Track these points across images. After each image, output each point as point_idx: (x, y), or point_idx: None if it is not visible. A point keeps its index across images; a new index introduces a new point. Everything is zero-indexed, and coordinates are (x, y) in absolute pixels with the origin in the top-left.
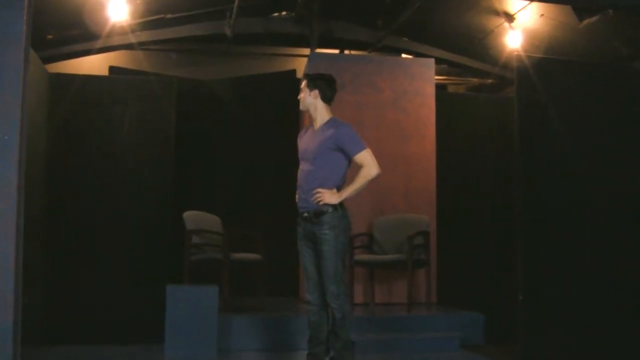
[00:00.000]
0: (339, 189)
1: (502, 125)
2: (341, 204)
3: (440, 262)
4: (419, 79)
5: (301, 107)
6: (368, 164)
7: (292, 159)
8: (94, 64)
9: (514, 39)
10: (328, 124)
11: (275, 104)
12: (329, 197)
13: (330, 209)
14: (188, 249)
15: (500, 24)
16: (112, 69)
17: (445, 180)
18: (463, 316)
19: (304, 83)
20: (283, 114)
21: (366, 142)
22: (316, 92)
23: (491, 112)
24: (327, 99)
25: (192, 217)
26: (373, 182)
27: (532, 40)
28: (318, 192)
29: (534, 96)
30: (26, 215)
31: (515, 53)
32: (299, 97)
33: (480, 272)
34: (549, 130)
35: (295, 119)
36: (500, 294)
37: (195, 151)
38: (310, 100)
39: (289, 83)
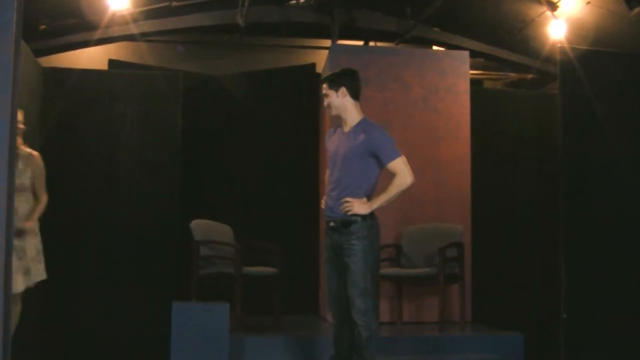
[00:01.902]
0: (369, 197)
1: (544, 124)
2: (372, 213)
3: (475, 277)
4: (452, 74)
5: (332, 112)
6: (402, 172)
7: (311, 163)
8: (91, 57)
9: (557, 29)
10: (359, 126)
11: (292, 101)
12: (358, 206)
13: (359, 219)
14: (196, 262)
15: (542, 12)
16: (111, 62)
17: (481, 186)
18: (500, 337)
19: (325, 87)
20: (301, 112)
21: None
22: (343, 89)
23: (532, 110)
24: (355, 94)
25: (200, 227)
26: None
27: (578, 30)
28: (347, 201)
29: (580, 92)
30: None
31: (559, 45)
32: (325, 104)
33: (519, 288)
34: (595, 130)
35: (314, 118)
36: (542, 312)
37: (203, 153)
38: (339, 101)
39: (308, 78)
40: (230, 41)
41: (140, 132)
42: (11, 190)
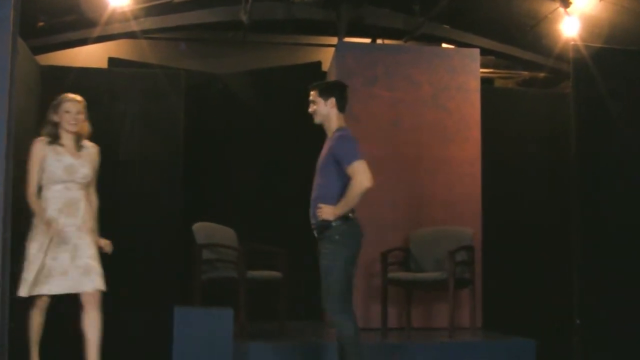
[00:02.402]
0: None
1: (556, 124)
2: (347, 218)
3: (486, 281)
4: (462, 72)
5: (317, 120)
6: (358, 175)
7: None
8: (91, 55)
9: (570, 27)
10: (333, 135)
11: (297, 101)
12: (327, 213)
13: (332, 224)
14: (198, 266)
15: (554, 9)
16: (111, 60)
17: (492, 188)
18: (512, 342)
19: (314, 93)
20: (307, 112)
21: (402, 144)
22: (333, 100)
23: (544, 109)
24: (342, 107)
25: (203, 230)
26: (409, 190)
27: (591, 27)
28: (319, 208)
29: (593, 91)
30: (13, 229)
31: (572, 42)
32: (310, 110)
33: (531, 292)
34: (609, 130)
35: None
36: (555, 317)
37: (206, 154)
38: (326, 110)
39: (314, 76)
40: (234, 38)
41: (141, 132)
42: (8, 195)
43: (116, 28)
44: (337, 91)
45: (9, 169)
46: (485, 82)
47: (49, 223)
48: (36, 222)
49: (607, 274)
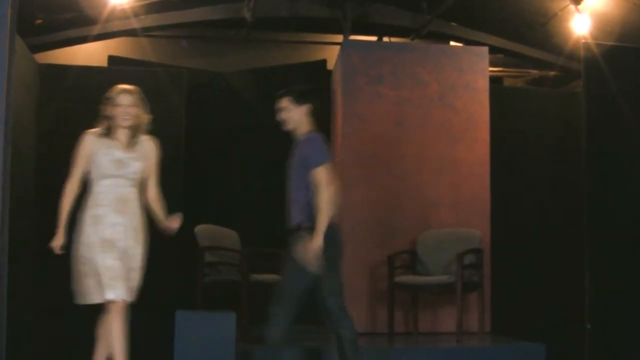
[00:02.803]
0: (313, 209)
1: (567, 124)
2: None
3: (495, 285)
4: (470, 71)
5: (290, 127)
6: (320, 185)
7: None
8: (90, 53)
9: (581, 24)
10: (305, 135)
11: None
12: (312, 249)
13: (302, 229)
14: (201, 269)
15: (565, 6)
16: (111, 59)
17: (501, 189)
18: (521, 348)
19: (287, 100)
20: (312, 111)
21: (408, 144)
22: (308, 107)
23: (554, 109)
24: (313, 112)
25: (205, 232)
26: (416, 192)
27: (603, 25)
28: (301, 250)
29: (604, 90)
30: (11, 232)
31: (583, 41)
32: (282, 117)
33: (541, 296)
34: (621, 130)
35: (325, 117)
36: (565, 322)
37: (208, 155)
38: (299, 117)
39: (318, 75)
40: (237, 36)
41: None
42: (6, 197)
43: (116, 25)
44: (311, 97)
45: (7, 170)
46: (494, 81)
47: (58, 231)
48: (82, 218)
49: (618, 276)
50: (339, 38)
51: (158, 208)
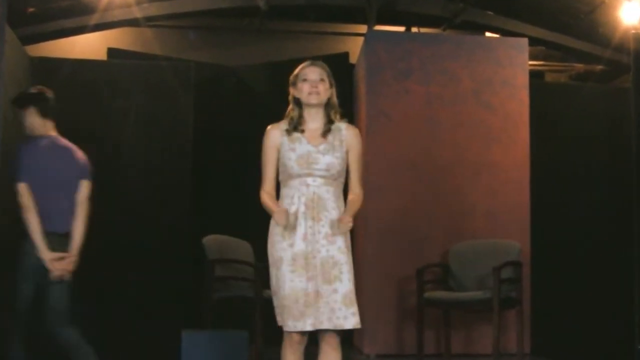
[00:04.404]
0: None
1: (615, 123)
2: None
3: (535, 301)
4: (508, 65)
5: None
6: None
7: None
8: (88, 46)
9: (630, 13)
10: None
11: None
12: None
13: None
14: (210, 284)
15: None
16: (111, 51)
17: (542, 195)
18: None
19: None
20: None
21: (439, 146)
22: (35, 109)
23: (601, 106)
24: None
25: (214, 243)
26: (448, 199)
27: None
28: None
29: None
30: (1, 240)
31: (633, 31)
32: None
33: (586, 313)
34: None
35: (347, 115)
36: (612, 342)
37: (218, 157)
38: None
39: (340, 70)
40: (249, 27)
41: (144, 133)
42: None
43: (116, 15)
44: (36, 98)
45: None
46: (534, 76)
47: (279, 213)
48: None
49: None
50: (363, 28)
51: (351, 202)
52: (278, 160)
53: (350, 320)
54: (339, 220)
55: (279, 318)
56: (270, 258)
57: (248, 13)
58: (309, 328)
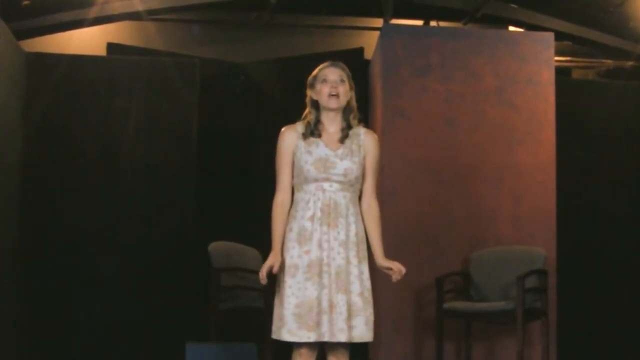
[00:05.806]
0: None
1: None
2: None
3: (562, 312)
4: (533, 61)
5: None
6: None
7: None
8: (86, 40)
9: None
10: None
11: None
12: None
13: None
14: (215, 294)
15: None
16: (111, 46)
17: (569, 199)
18: None
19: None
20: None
21: (460, 147)
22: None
23: (632, 104)
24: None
25: (221, 250)
26: (469, 203)
27: None
28: None
29: None
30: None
31: None
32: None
33: (616, 326)
34: None
35: (362, 113)
36: None
37: (225, 159)
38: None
39: (355, 66)
40: (258, 21)
41: (146, 134)
42: None
43: (116, 7)
44: None
45: None
46: (561, 72)
47: (273, 252)
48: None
49: None
50: (379, 22)
51: (372, 228)
52: (293, 163)
53: (364, 332)
54: (389, 269)
55: (276, 329)
56: (283, 265)
57: (256, 6)
58: (324, 338)
